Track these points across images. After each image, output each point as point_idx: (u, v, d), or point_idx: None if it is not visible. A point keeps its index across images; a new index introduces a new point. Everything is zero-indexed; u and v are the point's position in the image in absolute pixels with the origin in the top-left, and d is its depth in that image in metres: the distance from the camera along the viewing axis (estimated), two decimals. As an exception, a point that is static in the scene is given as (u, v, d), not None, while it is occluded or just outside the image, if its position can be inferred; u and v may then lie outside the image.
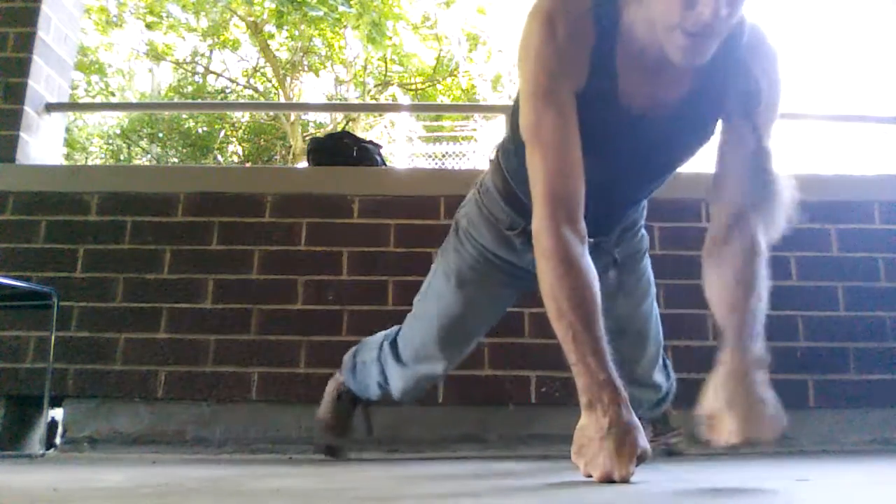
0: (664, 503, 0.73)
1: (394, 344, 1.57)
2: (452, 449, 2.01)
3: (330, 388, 1.74)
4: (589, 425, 0.95)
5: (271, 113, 11.81)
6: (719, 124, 1.16)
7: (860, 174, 2.32)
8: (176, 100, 12.45)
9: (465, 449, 2.01)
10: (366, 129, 11.26)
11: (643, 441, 0.93)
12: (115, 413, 2.06)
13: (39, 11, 2.38)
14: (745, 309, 1.01)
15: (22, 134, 2.30)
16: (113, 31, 11.21)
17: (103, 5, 10.48)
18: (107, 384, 2.06)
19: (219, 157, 12.31)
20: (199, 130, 12.47)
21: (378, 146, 2.53)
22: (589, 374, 0.96)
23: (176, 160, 11.90)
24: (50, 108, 2.44)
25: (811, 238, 2.19)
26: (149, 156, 12.22)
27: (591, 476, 0.92)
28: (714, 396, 0.93)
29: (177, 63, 12.62)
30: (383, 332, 1.64)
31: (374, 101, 11.66)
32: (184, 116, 12.17)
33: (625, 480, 0.89)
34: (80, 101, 10.72)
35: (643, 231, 1.49)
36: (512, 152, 1.28)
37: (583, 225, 1.06)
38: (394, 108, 11.13)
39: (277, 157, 11.94)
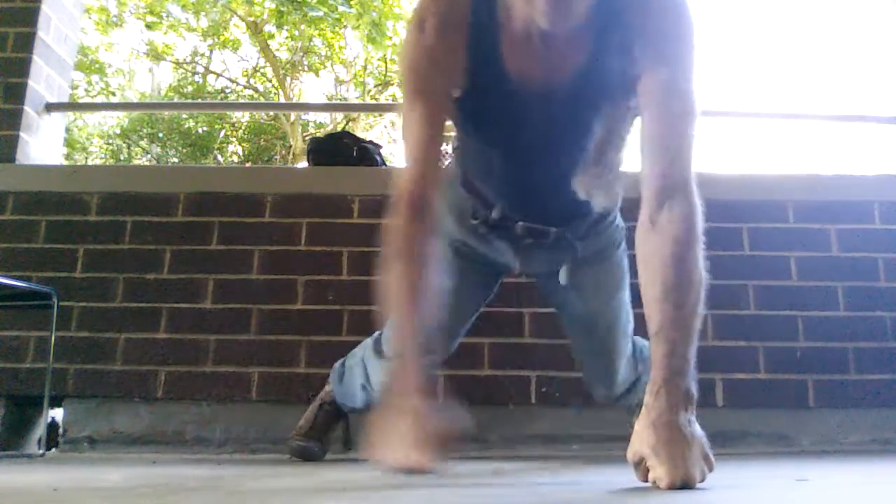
0: (664, 502, 0.73)
1: (377, 341, 1.58)
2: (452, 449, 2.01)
3: (318, 398, 1.75)
4: (385, 413, 0.94)
5: (271, 113, 11.82)
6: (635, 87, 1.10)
7: (860, 174, 2.32)
8: (176, 100, 12.46)
9: (465, 449, 2.01)
10: (366, 129, 11.26)
11: (442, 428, 0.90)
12: (115, 413, 2.06)
13: (39, 11, 2.38)
14: (674, 334, 0.93)
15: (22, 134, 2.30)
16: (113, 31, 11.21)
17: (103, 5, 10.48)
18: (107, 384, 2.06)
19: (219, 157, 12.31)
20: (199, 130, 12.47)
21: (378, 146, 2.53)
22: (400, 356, 0.98)
23: (176, 160, 11.90)
24: (50, 108, 2.44)
25: (811, 238, 2.19)
26: (149, 156, 12.22)
27: (385, 468, 0.89)
28: (639, 441, 0.88)
29: (177, 63, 12.62)
30: (369, 339, 1.65)
31: (374, 101, 11.66)
32: (184, 116, 12.17)
33: (421, 470, 0.86)
34: (80, 101, 10.71)
35: (618, 222, 1.45)
36: (463, 144, 1.31)
37: (431, 218, 1.08)
38: (394, 108, 11.10)
39: (277, 157, 11.94)
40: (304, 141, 10.25)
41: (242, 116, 12.44)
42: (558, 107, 1.10)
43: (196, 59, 12.77)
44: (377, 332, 1.61)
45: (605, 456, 1.70)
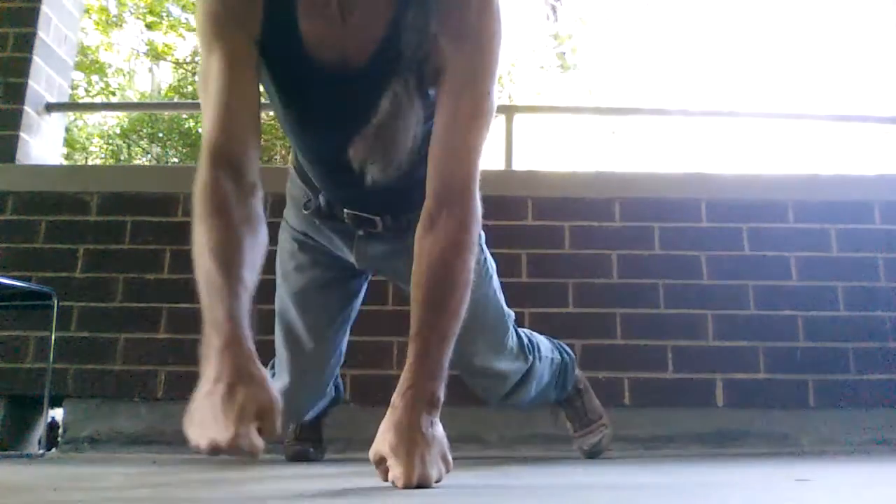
0: (665, 502, 0.73)
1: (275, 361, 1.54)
2: (452, 449, 2.01)
3: None
4: (200, 384, 0.81)
5: (271, 113, 11.79)
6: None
7: (860, 174, 2.32)
8: (176, 100, 12.45)
9: (465, 449, 2.01)
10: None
11: (265, 394, 0.76)
12: (115, 413, 2.06)
13: (39, 11, 2.38)
14: (429, 337, 0.93)
15: (22, 134, 2.30)
16: (113, 31, 11.21)
17: (103, 5, 10.48)
18: (107, 384, 2.06)
19: (219, 157, 12.28)
20: (199, 130, 12.46)
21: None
22: (213, 321, 0.86)
23: (176, 160, 11.89)
24: (50, 108, 2.44)
25: (811, 238, 2.19)
26: (149, 156, 12.22)
27: (206, 451, 0.72)
28: (381, 441, 0.88)
29: (177, 63, 12.62)
30: None
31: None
32: (184, 116, 12.16)
33: (233, 447, 0.70)
34: (80, 101, 10.71)
35: None
36: (283, 122, 1.22)
37: (249, 176, 0.98)
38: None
39: (277, 157, 11.94)
40: (304, 141, 10.22)
41: (242, 116, 12.41)
42: (349, 79, 1.04)
43: (196, 59, 12.76)
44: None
45: (602, 456, 1.70)
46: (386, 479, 0.87)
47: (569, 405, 1.67)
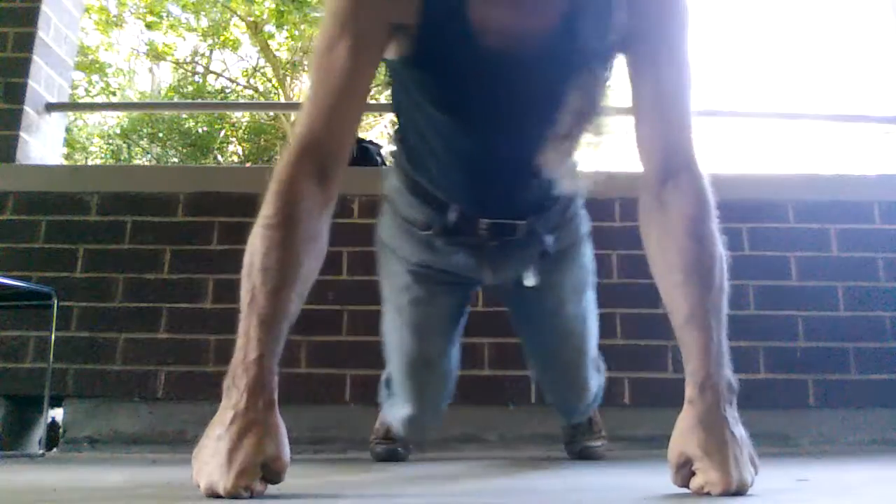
0: (665, 502, 0.73)
1: (388, 382, 1.43)
2: (452, 449, 2.01)
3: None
4: (216, 418, 0.78)
5: (271, 113, 11.81)
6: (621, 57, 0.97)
7: (860, 174, 2.32)
8: (176, 100, 12.45)
9: (465, 449, 2.01)
10: (366, 128, 11.26)
11: (274, 447, 0.75)
12: (115, 413, 2.06)
13: (39, 11, 2.37)
14: (706, 318, 0.83)
15: (22, 134, 2.30)
16: (113, 30, 11.21)
17: (103, 5, 10.49)
18: (107, 384, 2.06)
19: (219, 157, 12.31)
20: (199, 130, 12.47)
21: (378, 146, 2.53)
22: (243, 348, 0.81)
23: (176, 160, 11.90)
24: (50, 108, 2.44)
25: (811, 238, 2.19)
26: (149, 156, 12.21)
27: (199, 486, 0.74)
28: (686, 442, 0.79)
29: (177, 63, 12.62)
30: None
31: (374, 101, 11.66)
32: (184, 116, 12.17)
33: (231, 495, 0.70)
34: (80, 101, 10.71)
35: (582, 212, 1.31)
36: (406, 131, 1.15)
37: (334, 185, 0.89)
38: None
39: (277, 157, 11.94)
40: (304, 141, 10.22)
41: (242, 116, 12.44)
42: (528, 69, 0.94)
43: (196, 59, 12.77)
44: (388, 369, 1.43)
45: (602, 456, 1.70)
46: (684, 485, 0.80)
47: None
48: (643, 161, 0.92)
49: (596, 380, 1.43)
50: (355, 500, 0.77)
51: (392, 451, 1.60)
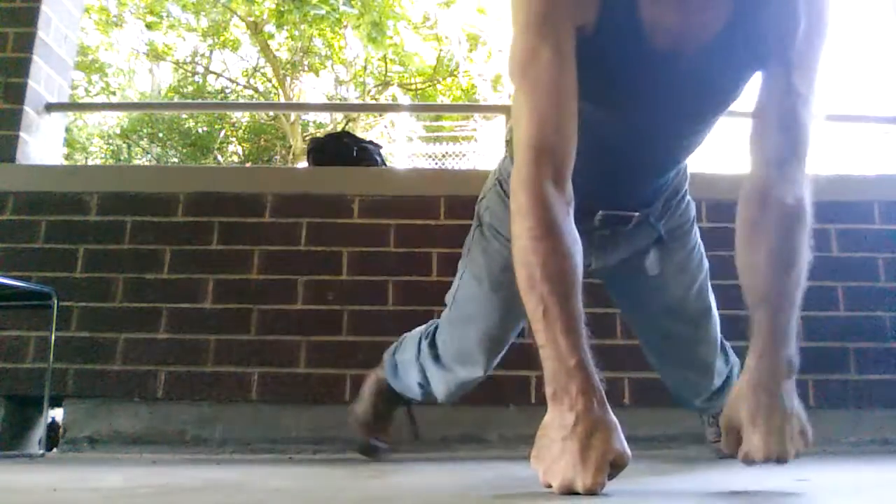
0: (665, 502, 0.73)
1: (433, 345, 1.45)
2: (452, 449, 2.01)
3: (369, 385, 1.64)
4: (552, 422, 0.82)
5: (271, 113, 11.82)
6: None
7: (860, 174, 2.32)
8: (176, 100, 12.45)
9: (465, 449, 2.01)
10: (366, 129, 11.26)
11: (619, 443, 0.78)
12: (115, 413, 2.06)
13: (39, 11, 2.38)
14: (779, 299, 0.88)
15: (22, 134, 2.30)
16: (113, 30, 11.22)
17: (103, 5, 10.49)
18: (107, 384, 2.06)
19: (219, 157, 12.31)
20: (199, 130, 12.47)
21: (378, 146, 2.53)
22: (558, 357, 0.82)
23: (176, 160, 11.90)
24: (50, 108, 2.44)
25: (811, 238, 2.18)
26: (149, 156, 12.22)
27: (550, 486, 0.79)
28: (737, 408, 0.82)
29: (177, 63, 12.62)
30: (420, 329, 1.54)
31: (374, 101, 11.66)
32: (184, 116, 12.17)
33: (590, 492, 0.74)
34: (80, 101, 10.72)
35: (688, 197, 1.34)
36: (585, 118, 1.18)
37: (570, 185, 0.92)
38: (394, 108, 11.13)
39: (277, 157, 11.94)
40: (304, 141, 10.25)
41: (242, 116, 12.45)
42: (691, 69, 0.98)
43: (196, 59, 12.77)
44: (429, 328, 1.49)
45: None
46: (733, 451, 0.82)
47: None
48: (760, 152, 0.96)
49: (722, 366, 1.42)
50: (355, 500, 0.77)
51: (376, 447, 1.61)
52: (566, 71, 0.91)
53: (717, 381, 1.42)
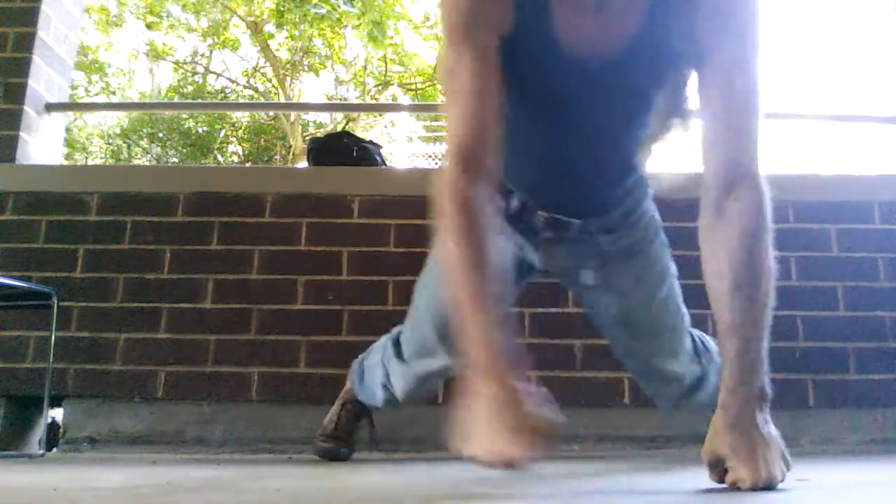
0: (665, 502, 0.73)
1: (396, 342, 1.51)
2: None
3: (341, 394, 1.71)
4: (476, 403, 0.85)
5: (271, 113, 11.82)
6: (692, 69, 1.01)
7: (860, 174, 2.32)
8: (176, 100, 12.46)
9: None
10: (366, 129, 11.25)
11: (542, 410, 0.83)
12: (115, 413, 2.06)
13: (39, 11, 2.38)
14: (745, 325, 0.88)
15: (22, 134, 2.30)
16: (113, 30, 11.22)
17: (103, 5, 10.49)
18: (107, 384, 2.06)
19: (219, 157, 12.31)
20: (199, 130, 12.47)
21: (378, 146, 2.53)
22: (477, 344, 0.88)
23: (176, 160, 11.90)
24: (50, 108, 2.44)
25: (811, 238, 2.19)
26: (149, 156, 12.22)
27: (489, 465, 0.81)
28: (716, 442, 0.86)
29: (177, 63, 12.62)
30: (387, 335, 1.58)
31: (374, 101, 11.66)
32: (184, 116, 12.18)
33: (524, 460, 0.78)
34: (80, 101, 10.71)
35: (651, 213, 1.34)
36: (512, 122, 1.19)
37: (495, 184, 0.98)
38: (394, 108, 11.13)
39: (277, 157, 11.94)
40: (304, 141, 10.25)
41: (242, 116, 12.45)
42: (609, 73, 1.00)
43: (196, 59, 12.77)
44: (395, 331, 1.54)
45: (601, 456, 1.70)
46: (720, 481, 0.85)
47: None
48: (707, 168, 0.96)
49: (685, 370, 1.43)
50: (355, 500, 0.77)
51: (334, 450, 1.64)
52: (489, 78, 0.95)
53: (688, 382, 1.43)
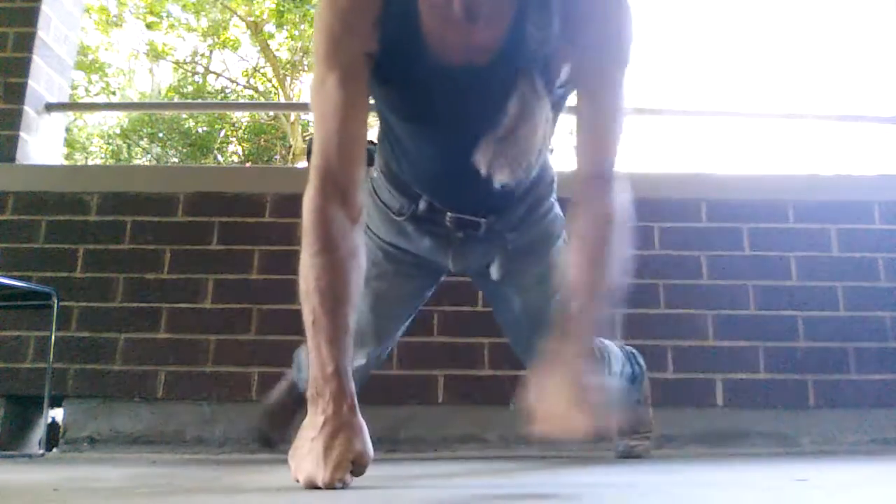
0: (665, 503, 0.73)
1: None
2: (452, 449, 2.01)
3: (282, 383, 1.71)
4: (306, 423, 0.91)
5: (271, 113, 11.82)
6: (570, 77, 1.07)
7: (860, 174, 2.32)
8: (176, 100, 12.46)
9: (465, 449, 2.01)
10: (366, 129, 11.23)
11: (361, 444, 0.88)
12: (115, 413, 2.06)
13: (39, 11, 2.38)
14: (587, 295, 0.96)
15: (22, 134, 2.30)
16: (113, 30, 11.22)
17: (103, 5, 10.49)
18: (107, 384, 2.06)
19: (219, 157, 12.31)
20: (199, 130, 12.47)
21: (377, 145, 2.53)
22: (319, 364, 0.92)
23: (176, 160, 11.90)
24: (50, 108, 2.44)
25: (811, 238, 2.19)
26: (149, 156, 12.22)
27: (298, 481, 0.87)
28: (536, 387, 0.88)
29: (177, 63, 12.62)
30: None
31: (373, 101, 11.64)
32: (184, 116, 12.18)
33: (329, 487, 0.83)
34: (80, 101, 10.71)
35: (555, 212, 1.38)
36: (383, 132, 1.25)
37: (358, 205, 1.01)
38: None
39: (277, 157, 11.95)
40: (304, 141, 10.25)
41: (242, 116, 12.45)
42: (475, 79, 1.04)
43: (196, 59, 12.77)
44: None
45: (601, 457, 1.70)
46: (552, 432, 0.86)
47: (628, 412, 1.66)
48: (576, 167, 1.05)
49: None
50: (354, 499, 0.77)
51: (269, 437, 1.65)
52: (353, 97, 1.00)
53: None
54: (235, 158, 12.55)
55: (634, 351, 1.67)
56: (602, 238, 1.00)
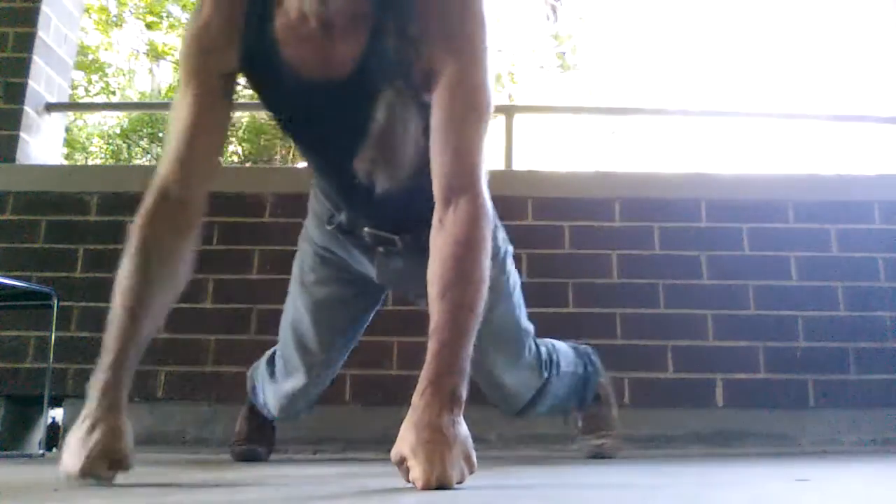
0: (665, 503, 0.73)
1: (270, 362, 1.57)
2: (452, 449, 2.01)
3: (243, 409, 1.74)
4: (86, 415, 0.95)
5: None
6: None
7: (860, 174, 2.32)
8: (176, 100, 12.43)
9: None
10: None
11: (115, 443, 0.91)
12: (115, 413, 2.06)
13: (39, 11, 2.38)
14: (446, 328, 0.90)
15: (22, 134, 2.30)
16: (113, 31, 11.22)
17: (103, 5, 10.49)
18: (107, 384, 2.06)
19: (219, 157, 12.28)
20: (199, 130, 12.44)
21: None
22: (104, 354, 0.98)
23: (176, 160, 11.87)
24: (50, 108, 2.44)
25: (811, 238, 2.19)
26: (149, 156, 12.21)
27: (63, 472, 0.91)
28: (401, 441, 0.85)
29: (177, 63, 12.62)
30: (267, 353, 1.63)
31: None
32: (184, 116, 12.14)
33: (82, 478, 0.88)
34: (80, 101, 10.71)
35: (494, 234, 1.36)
36: (293, 142, 1.31)
37: (192, 219, 1.06)
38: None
39: (277, 157, 11.94)
40: (304, 141, 10.22)
41: (242, 116, 12.42)
42: (338, 91, 1.05)
43: (196, 59, 12.74)
44: (270, 352, 1.61)
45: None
46: (408, 480, 0.85)
47: (584, 411, 1.67)
48: (434, 181, 0.99)
49: (520, 381, 1.45)
50: (354, 499, 0.77)
51: (252, 451, 1.66)
52: (205, 114, 1.03)
53: (527, 396, 1.46)
54: (235, 158, 12.55)
55: (589, 350, 1.67)
56: (463, 267, 0.93)
